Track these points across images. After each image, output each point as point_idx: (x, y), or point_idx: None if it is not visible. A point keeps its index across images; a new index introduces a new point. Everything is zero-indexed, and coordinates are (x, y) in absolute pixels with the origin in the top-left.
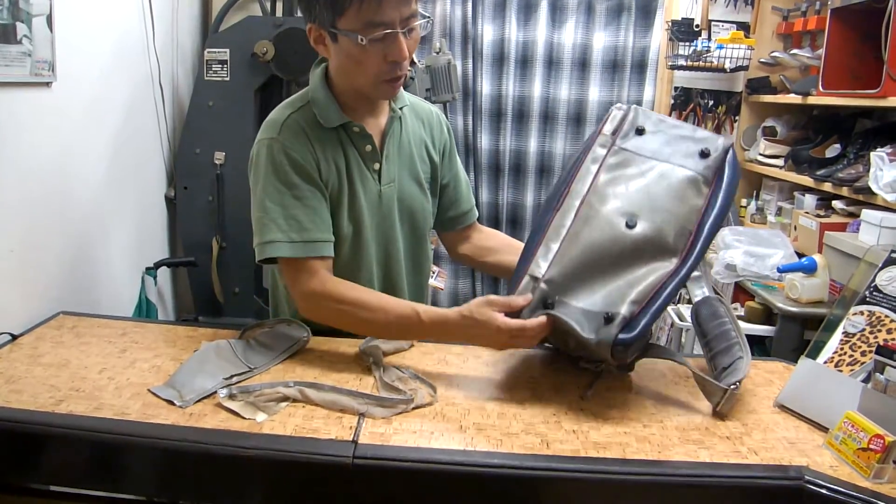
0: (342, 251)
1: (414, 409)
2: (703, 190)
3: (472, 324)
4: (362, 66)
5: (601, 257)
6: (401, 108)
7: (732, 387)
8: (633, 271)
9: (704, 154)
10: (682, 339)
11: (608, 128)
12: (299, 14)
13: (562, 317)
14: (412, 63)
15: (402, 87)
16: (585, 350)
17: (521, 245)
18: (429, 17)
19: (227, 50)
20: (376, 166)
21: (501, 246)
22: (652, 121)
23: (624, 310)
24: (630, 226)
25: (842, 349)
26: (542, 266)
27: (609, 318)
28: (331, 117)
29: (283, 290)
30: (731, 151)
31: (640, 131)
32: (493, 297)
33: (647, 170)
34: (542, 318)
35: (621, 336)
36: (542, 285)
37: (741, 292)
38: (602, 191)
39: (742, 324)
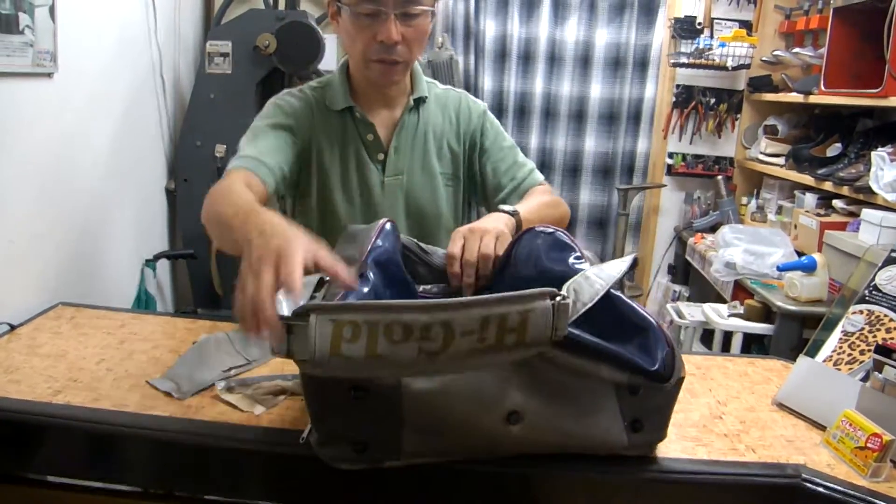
0: (338, 225)
1: None
2: None
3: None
4: (353, 41)
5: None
6: (420, 100)
7: None
8: None
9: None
10: (681, 336)
11: None
12: (301, 7)
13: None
14: None
15: (421, 77)
16: None
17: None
18: (433, 10)
19: (230, 42)
20: (380, 156)
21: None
22: None
23: None
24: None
25: (840, 348)
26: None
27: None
28: (337, 99)
29: None
30: None
31: None
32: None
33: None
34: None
35: None
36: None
37: (741, 290)
38: None
39: (741, 322)
